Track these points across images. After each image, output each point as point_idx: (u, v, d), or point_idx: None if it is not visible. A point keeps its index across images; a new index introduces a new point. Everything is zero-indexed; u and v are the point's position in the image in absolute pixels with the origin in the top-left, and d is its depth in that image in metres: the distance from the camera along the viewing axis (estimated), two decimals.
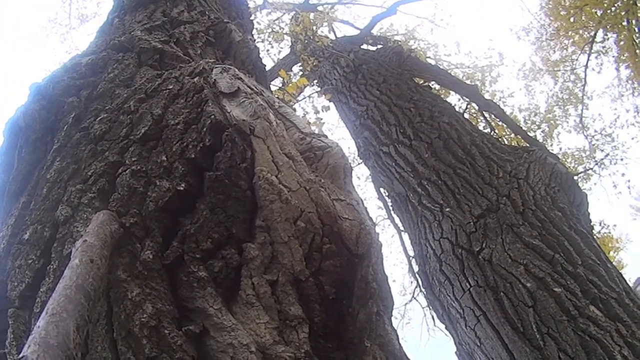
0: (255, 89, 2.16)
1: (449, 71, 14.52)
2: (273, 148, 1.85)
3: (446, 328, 7.12)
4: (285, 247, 1.70)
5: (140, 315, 1.53)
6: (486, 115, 12.98)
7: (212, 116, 1.92)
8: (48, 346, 1.09)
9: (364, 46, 13.34)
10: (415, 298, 14.66)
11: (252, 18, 7.03)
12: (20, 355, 1.06)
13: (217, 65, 2.33)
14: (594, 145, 16.97)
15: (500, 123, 12.86)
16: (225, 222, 1.73)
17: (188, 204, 1.80)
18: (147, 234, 1.73)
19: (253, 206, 1.78)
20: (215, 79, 2.18)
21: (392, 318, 2.13)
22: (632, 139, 17.89)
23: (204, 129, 1.90)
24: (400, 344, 1.96)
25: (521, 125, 14.82)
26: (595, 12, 15.63)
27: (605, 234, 16.72)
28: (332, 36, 14.43)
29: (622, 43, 15.89)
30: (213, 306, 1.57)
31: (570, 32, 16.90)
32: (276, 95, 3.07)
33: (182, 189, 1.80)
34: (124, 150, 2.01)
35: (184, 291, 1.63)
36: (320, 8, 14.92)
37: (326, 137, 2.09)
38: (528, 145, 9.44)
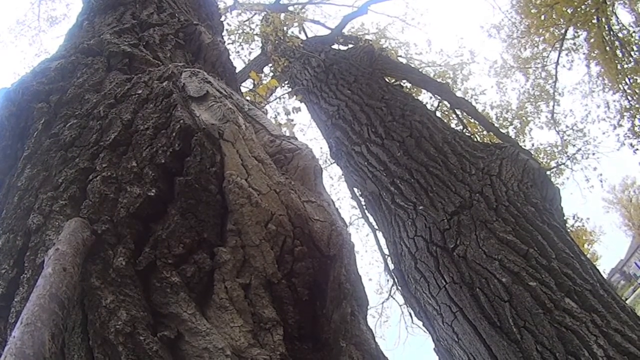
0: (224, 92, 2.16)
1: (420, 70, 14.64)
2: (242, 151, 1.85)
3: (424, 325, 7.16)
4: (257, 250, 1.69)
5: (115, 322, 1.53)
6: (458, 112, 13.11)
7: (181, 121, 1.90)
8: (24, 356, 1.10)
9: (335, 46, 13.39)
10: (392, 296, 14.79)
11: (222, 19, 7.01)
12: None
13: (185, 69, 2.32)
14: (565, 140, 17.25)
15: (472, 120, 12.99)
16: (197, 227, 1.73)
17: (159, 210, 1.79)
18: (119, 241, 1.72)
19: (224, 210, 1.77)
20: (184, 83, 2.17)
21: (370, 317, 2.14)
22: (603, 133, 18.28)
23: (173, 134, 1.89)
24: (376, 343, 1.97)
25: (493, 122, 14.98)
26: (566, 10, 15.85)
27: (578, 227, 17.03)
28: (302, 36, 14.46)
29: (592, 40, 16.15)
30: (187, 311, 1.57)
31: (541, 30, 17.12)
32: (247, 97, 3.06)
33: (152, 194, 1.79)
34: (94, 157, 1.99)
35: (157, 297, 1.62)
36: (290, 8, 14.97)
37: (296, 139, 2.09)
38: (500, 141, 9.52)
